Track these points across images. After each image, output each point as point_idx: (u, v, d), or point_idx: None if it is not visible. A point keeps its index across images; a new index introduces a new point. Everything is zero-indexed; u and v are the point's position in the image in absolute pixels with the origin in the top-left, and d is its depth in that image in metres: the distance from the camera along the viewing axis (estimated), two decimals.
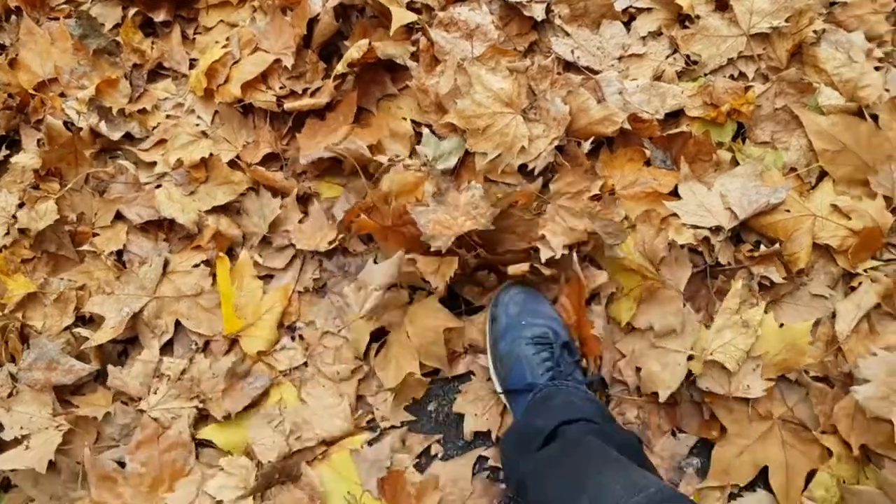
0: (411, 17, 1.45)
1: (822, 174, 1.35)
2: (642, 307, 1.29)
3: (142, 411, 1.31)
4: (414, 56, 1.49)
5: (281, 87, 1.50)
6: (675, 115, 1.44)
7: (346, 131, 1.42)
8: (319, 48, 1.52)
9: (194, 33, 1.65)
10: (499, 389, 1.23)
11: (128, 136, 1.53)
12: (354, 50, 1.41)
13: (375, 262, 1.34)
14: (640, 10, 1.55)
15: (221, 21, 1.64)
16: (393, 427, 1.29)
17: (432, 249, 1.21)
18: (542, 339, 1.17)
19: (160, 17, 1.62)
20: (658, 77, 1.47)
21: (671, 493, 0.81)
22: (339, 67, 1.43)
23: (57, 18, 1.68)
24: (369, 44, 1.42)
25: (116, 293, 1.38)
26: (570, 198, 1.33)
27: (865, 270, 1.27)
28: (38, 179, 1.46)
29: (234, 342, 1.37)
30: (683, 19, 1.52)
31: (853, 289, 1.26)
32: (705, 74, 1.46)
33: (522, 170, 1.39)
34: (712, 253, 1.30)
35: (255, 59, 1.51)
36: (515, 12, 1.54)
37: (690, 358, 1.22)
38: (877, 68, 1.39)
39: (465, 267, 1.28)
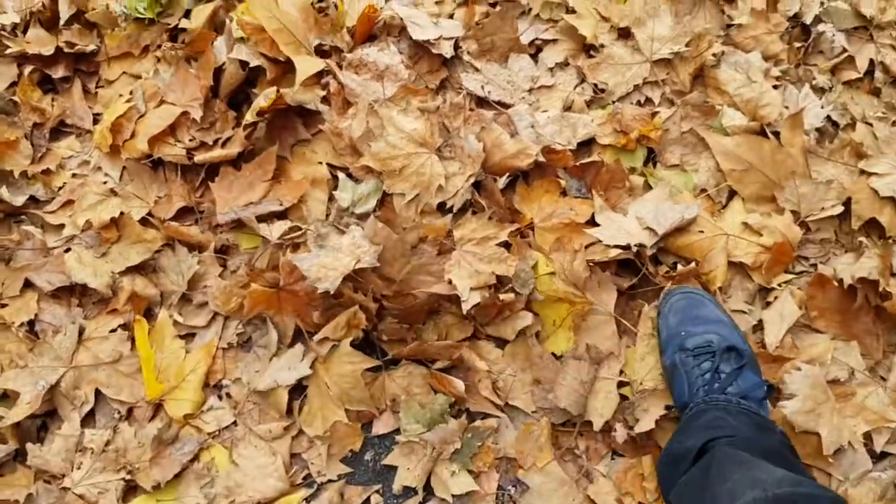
0: (317, 65, 1.44)
1: (732, 193, 1.40)
2: (579, 335, 1.31)
3: (66, 489, 1.25)
4: (325, 100, 1.48)
5: (190, 140, 1.47)
6: (588, 144, 1.47)
7: (264, 188, 1.40)
8: (228, 97, 1.50)
9: (96, 87, 1.60)
10: (670, 404, 1.22)
11: (32, 199, 1.48)
12: (262, 98, 1.40)
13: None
14: (547, 42, 1.58)
15: (124, 73, 1.60)
16: (330, 481, 1.27)
17: (319, 291, 1.22)
18: (702, 348, 1.16)
19: (58, 72, 1.57)
20: (568, 107, 1.50)
21: (792, 480, 0.85)
22: (248, 117, 1.41)
23: None
24: (277, 91, 1.40)
25: (30, 366, 1.32)
26: (477, 243, 1.34)
27: (780, 284, 1.31)
28: None
29: (158, 407, 1.33)
30: (588, 49, 1.55)
31: (769, 303, 1.30)
32: (613, 102, 1.49)
33: (441, 208, 1.39)
34: (638, 271, 1.33)
35: (161, 112, 1.48)
36: (424, 50, 1.54)
37: (622, 385, 1.25)
38: (775, 87, 1.45)
39: (369, 313, 1.28)
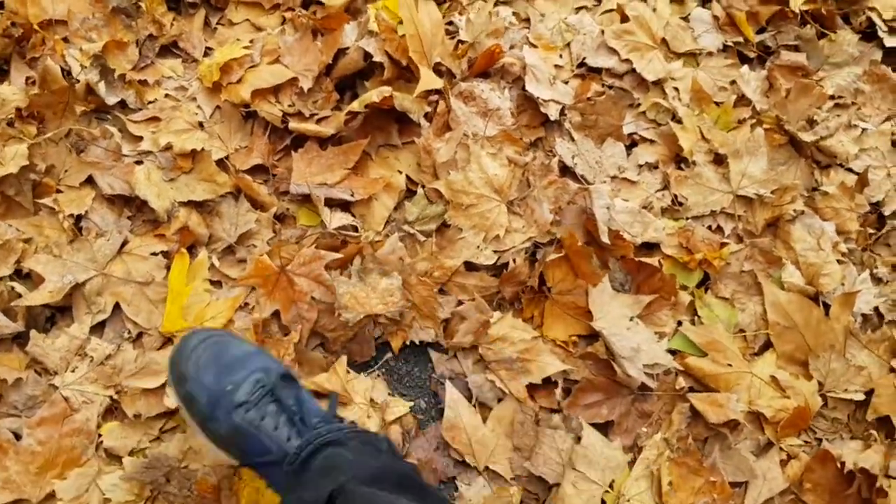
0: (437, 83, 1.49)
1: (768, 344, 1.43)
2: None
3: (54, 386, 1.26)
4: (427, 116, 1.53)
5: (290, 105, 1.50)
6: (651, 247, 1.51)
7: (342, 175, 1.43)
8: (338, 80, 1.54)
9: (217, 23, 1.64)
10: (239, 463, 1.05)
11: (121, 104, 1.50)
12: (375, 93, 1.44)
13: None
14: (644, 140, 1.63)
15: (247, 20, 1.64)
16: None
17: (341, 319, 1.28)
18: (257, 392, 1.00)
19: None
20: (646, 206, 1.54)
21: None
22: (355, 105, 1.45)
23: None
24: (391, 92, 1.44)
25: (64, 257, 1.34)
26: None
27: (782, 448, 1.35)
28: (17, 118, 1.41)
29: (167, 341, 1.34)
30: (680, 161, 1.60)
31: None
32: (687, 218, 1.54)
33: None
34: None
35: (273, 70, 1.52)
36: (531, 105, 1.60)
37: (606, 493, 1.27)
38: (839, 261, 1.50)
39: None
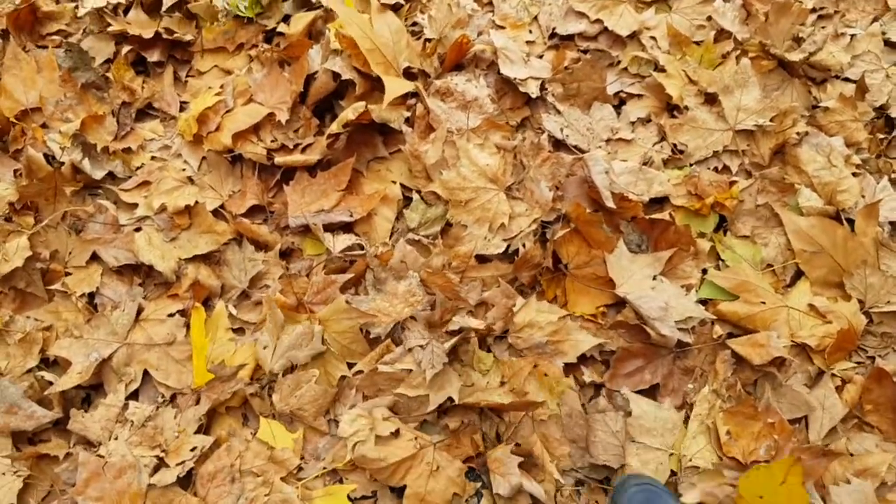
0: (405, 87, 1.49)
1: (799, 273, 1.41)
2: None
3: (101, 457, 1.29)
4: (409, 121, 1.53)
5: (272, 141, 1.52)
6: (660, 202, 1.49)
7: (337, 198, 1.44)
8: (314, 105, 1.55)
9: (187, 76, 1.66)
10: None
11: (110, 175, 1.53)
12: (350, 111, 1.45)
13: None
14: (631, 96, 1.62)
15: (216, 66, 1.66)
16: None
17: (371, 337, 1.29)
18: None
19: (154, 56, 1.64)
20: (645, 163, 1.53)
21: None
22: (334, 127, 1.46)
23: (46, 47, 1.68)
24: (365, 106, 1.45)
25: (85, 337, 1.37)
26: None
27: (834, 375, 1.33)
28: (12, 212, 1.44)
29: (201, 395, 1.36)
30: (672, 109, 1.59)
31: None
32: (691, 164, 1.52)
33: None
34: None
35: (248, 110, 1.53)
36: (510, 87, 1.59)
37: (671, 455, 1.26)
38: (854, 174, 1.47)
39: None
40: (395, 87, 1.50)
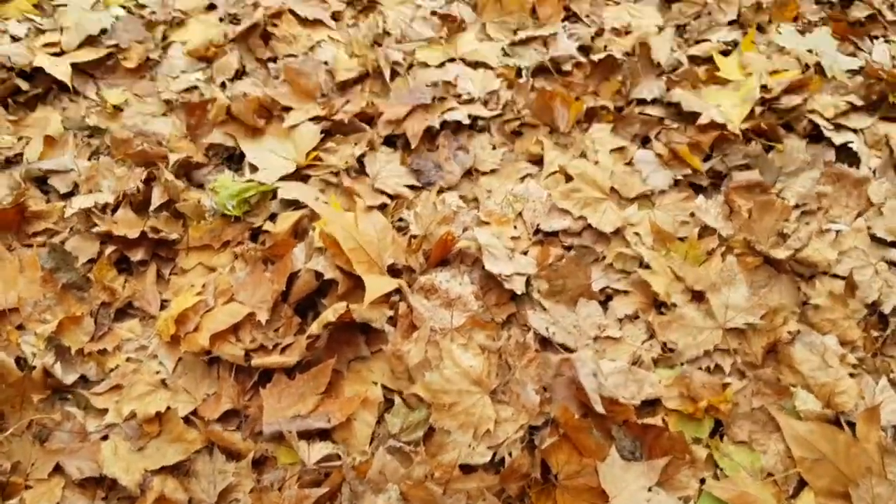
0: (388, 286, 1.51)
1: (802, 483, 1.36)
2: None
3: None
4: (391, 320, 1.53)
5: (251, 341, 1.52)
6: (651, 404, 1.46)
7: (315, 402, 1.42)
8: (296, 303, 1.56)
9: (170, 273, 1.69)
10: None
11: (82, 379, 1.51)
12: (330, 312, 1.45)
13: None
14: (618, 292, 1.63)
15: (200, 264, 1.69)
16: None
17: None
18: None
19: (137, 256, 1.67)
20: (635, 362, 1.51)
21: None
22: (314, 328, 1.46)
23: (30, 245, 1.71)
24: (346, 307, 1.45)
25: None
26: None
27: None
28: None
29: None
30: (660, 305, 1.59)
31: None
32: (682, 364, 1.50)
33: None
34: None
35: (228, 309, 1.54)
36: (495, 283, 1.61)
37: None
38: (851, 374, 1.45)
39: None
40: (377, 286, 1.52)
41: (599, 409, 1.38)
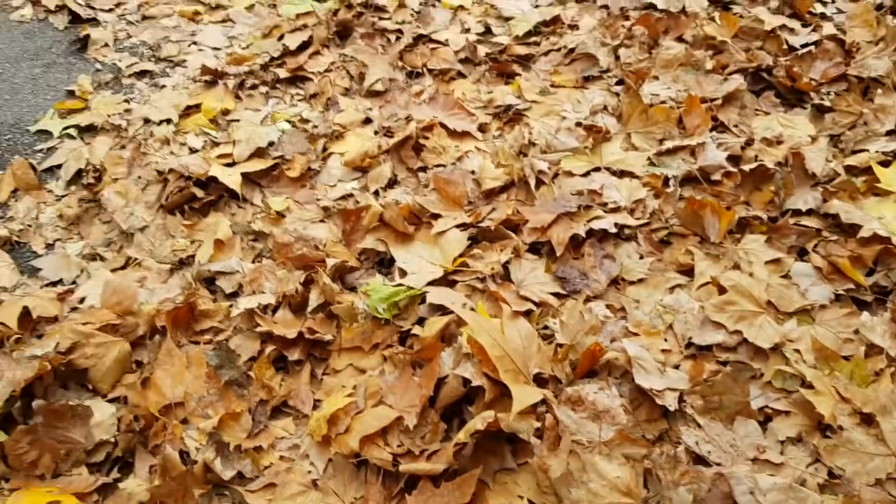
0: (534, 397, 1.52)
1: None
2: None
3: None
4: (538, 432, 1.53)
5: (399, 445, 1.55)
6: None
7: None
8: (443, 409, 1.59)
9: (323, 374, 1.77)
10: None
11: (238, 475, 1.58)
12: (479, 420, 1.47)
13: None
14: (778, 412, 1.57)
15: (351, 365, 1.76)
16: None
17: None
18: None
19: (294, 355, 1.77)
20: (800, 483, 1.43)
21: None
22: (461, 436, 1.48)
23: (197, 342, 1.85)
24: (495, 416, 1.47)
25: None
26: None
27: None
28: None
29: None
30: (825, 428, 1.51)
31: None
32: (853, 493, 1.41)
33: None
34: None
35: (378, 412, 1.59)
36: (646, 397, 1.58)
37: None
38: None
39: None
40: (524, 396, 1.53)
41: None
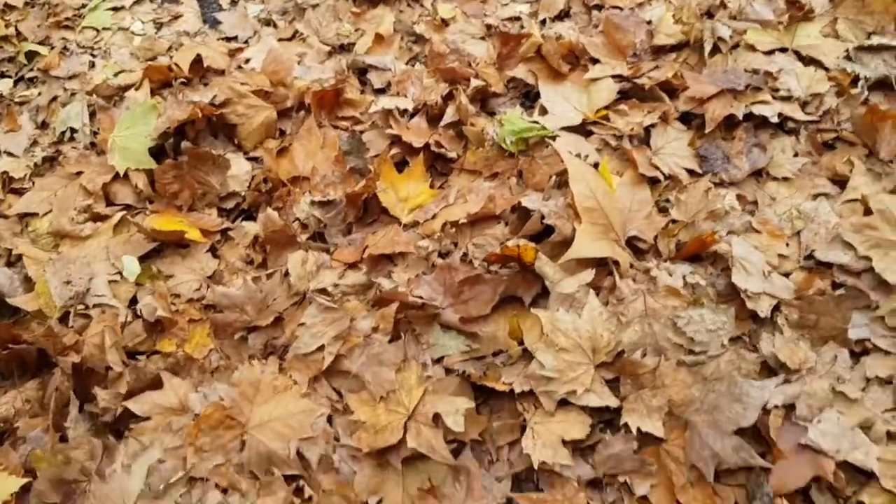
0: (597, 251, 1.58)
1: None
2: None
3: None
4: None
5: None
6: (865, 474, 1.34)
7: None
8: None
9: (439, 188, 1.85)
10: None
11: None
12: (512, 242, 1.51)
13: None
14: (877, 349, 1.48)
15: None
16: None
17: None
18: None
19: (415, 162, 1.84)
20: (866, 427, 1.38)
21: None
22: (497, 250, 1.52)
23: (336, 127, 1.96)
24: (533, 247, 1.50)
25: None
26: None
27: None
28: None
29: None
30: None
31: None
32: None
33: None
34: None
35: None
36: (737, 298, 1.54)
37: None
38: None
39: None
40: (587, 246, 1.55)
41: None
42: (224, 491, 1.41)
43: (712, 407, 1.40)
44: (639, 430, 1.42)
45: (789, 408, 1.40)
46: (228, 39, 2.23)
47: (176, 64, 2.05)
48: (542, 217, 1.62)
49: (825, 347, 1.48)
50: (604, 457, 1.42)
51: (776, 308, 1.54)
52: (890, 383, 1.45)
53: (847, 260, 1.59)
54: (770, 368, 1.47)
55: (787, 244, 1.64)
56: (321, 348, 1.53)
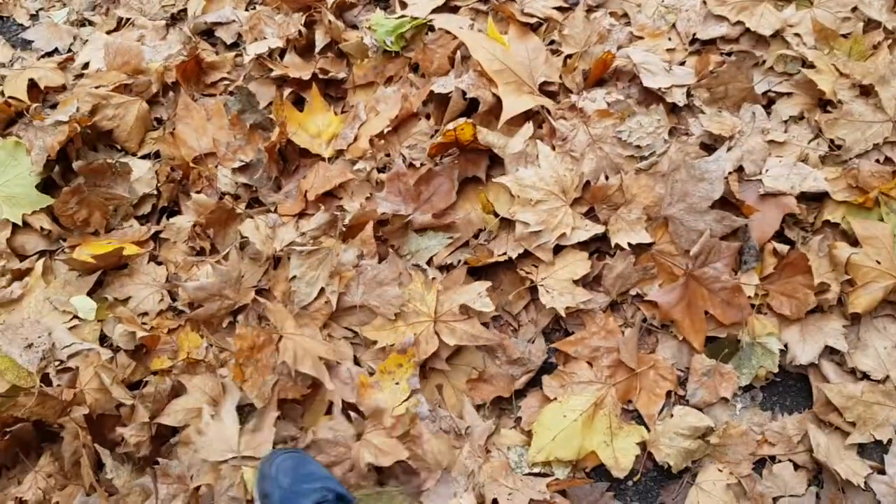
0: (526, 105, 1.66)
1: None
2: None
3: None
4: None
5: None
6: (818, 199, 1.54)
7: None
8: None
9: (342, 111, 1.84)
10: None
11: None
12: (452, 125, 1.61)
13: None
14: (780, 95, 1.68)
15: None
16: None
17: None
18: (321, 501, 1.25)
19: (310, 95, 1.82)
20: (802, 160, 1.57)
21: None
22: (438, 138, 1.59)
23: (212, 95, 1.90)
24: (466, 122, 1.60)
25: None
26: None
27: None
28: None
29: None
30: (825, 104, 1.63)
31: None
32: (849, 159, 1.56)
33: None
34: None
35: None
36: (654, 97, 1.68)
37: None
38: None
39: None
40: (515, 105, 1.64)
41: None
42: None
43: (682, 195, 1.54)
44: (629, 244, 1.55)
45: (739, 170, 1.57)
46: (49, 55, 2.07)
47: (11, 97, 1.88)
48: (464, 94, 1.67)
49: (742, 110, 1.66)
50: (611, 280, 1.55)
51: (688, 94, 1.69)
52: (803, 118, 1.65)
53: (724, 30, 1.77)
54: (707, 146, 1.63)
55: (669, 38, 1.80)
56: (321, 293, 1.54)
